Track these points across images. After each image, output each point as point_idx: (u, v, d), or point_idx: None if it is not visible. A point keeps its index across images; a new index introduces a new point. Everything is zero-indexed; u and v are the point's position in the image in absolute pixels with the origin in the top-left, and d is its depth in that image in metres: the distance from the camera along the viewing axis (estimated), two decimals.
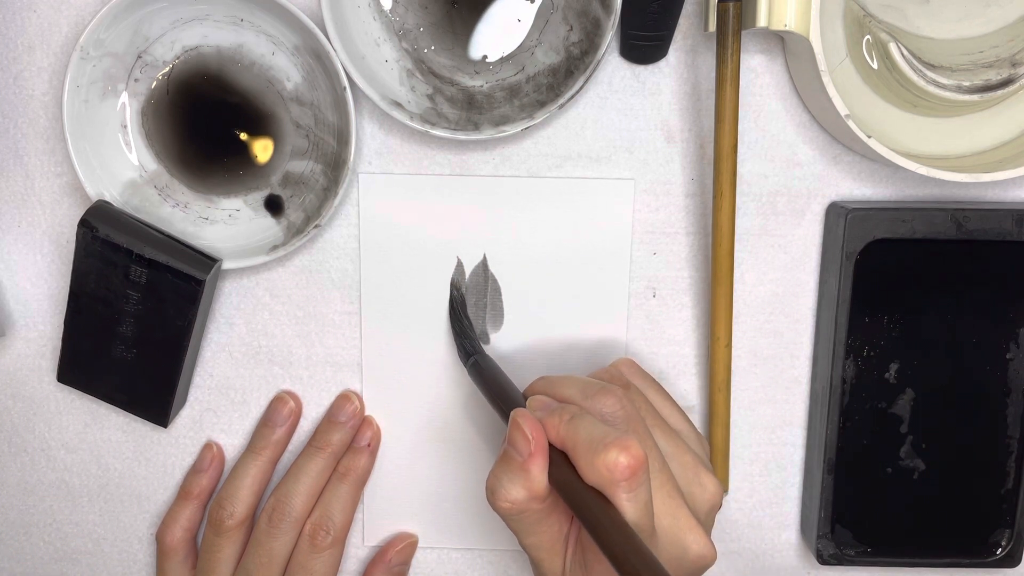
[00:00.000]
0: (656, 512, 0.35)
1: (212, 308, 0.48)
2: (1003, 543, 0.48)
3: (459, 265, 0.47)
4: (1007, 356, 0.46)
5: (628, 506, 0.33)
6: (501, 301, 0.48)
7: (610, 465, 0.33)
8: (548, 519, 0.36)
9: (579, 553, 0.37)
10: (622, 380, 0.41)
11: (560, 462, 0.35)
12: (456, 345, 0.47)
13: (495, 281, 0.47)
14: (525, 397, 0.40)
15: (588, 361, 0.48)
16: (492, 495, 0.36)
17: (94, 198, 0.44)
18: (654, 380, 0.43)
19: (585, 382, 0.39)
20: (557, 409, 0.37)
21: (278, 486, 0.47)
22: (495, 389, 0.42)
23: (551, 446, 0.36)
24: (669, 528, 0.36)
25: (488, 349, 0.48)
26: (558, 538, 0.37)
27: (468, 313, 0.47)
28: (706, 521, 0.39)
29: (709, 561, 0.36)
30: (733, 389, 0.48)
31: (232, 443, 0.50)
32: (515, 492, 0.35)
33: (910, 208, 0.45)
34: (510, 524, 0.37)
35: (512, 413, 0.37)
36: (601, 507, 0.33)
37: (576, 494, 0.34)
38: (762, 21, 0.40)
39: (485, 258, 0.47)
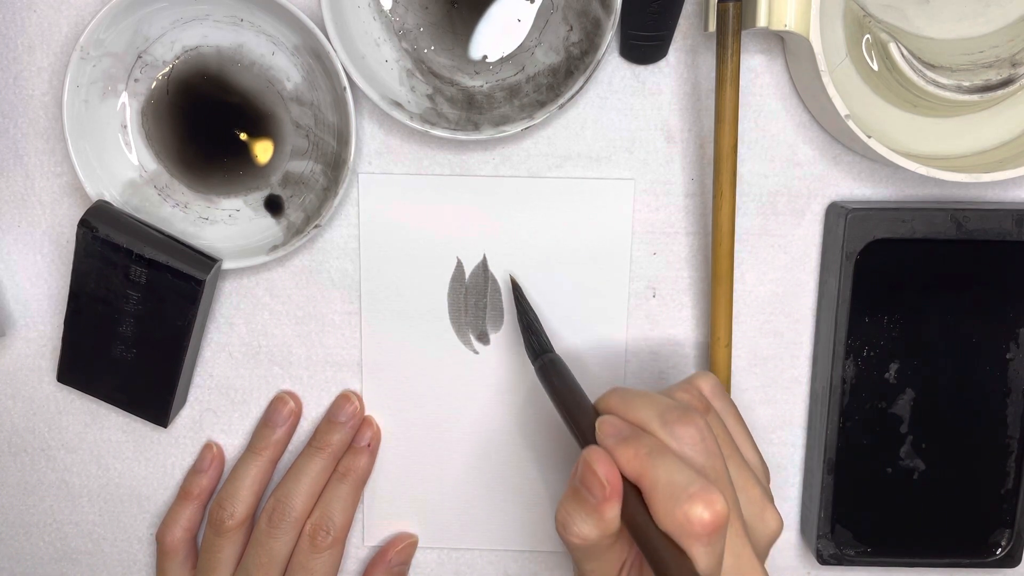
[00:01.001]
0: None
1: (212, 308, 0.48)
2: (1003, 543, 0.48)
3: (459, 265, 0.47)
4: (1007, 356, 0.46)
5: (703, 560, 0.32)
6: (501, 301, 0.48)
7: (692, 519, 0.32)
8: (613, 548, 0.36)
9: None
10: (702, 403, 0.38)
11: (632, 497, 0.34)
12: (524, 342, 0.45)
13: (495, 281, 0.47)
14: (595, 411, 0.38)
15: (588, 361, 0.48)
16: (563, 529, 0.35)
17: (94, 198, 0.44)
18: (732, 404, 0.41)
19: (664, 405, 0.36)
20: (632, 439, 0.35)
21: (278, 486, 0.47)
22: (565, 396, 0.40)
23: (624, 478, 0.34)
24: (731, 568, 0.35)
25: (488, 349, 0.48)
26: (617, 564, 0.36)
27: (532, 306, 0.46)
28: (763, 555, 0.38)
29: None
30: (733, 389, 0.48)
31: (232, 443, 0.50)
32: (587, 530, 0.34)
33: (910, 208, 0.45)
34: (574, 553, 0.36)
35: (585, 453, 0.35)
36: (673, 555, 0.32)
37: (648, 536, 0.33)
38: (762, 21, 0.40)
39: (485, 258, 0.47)
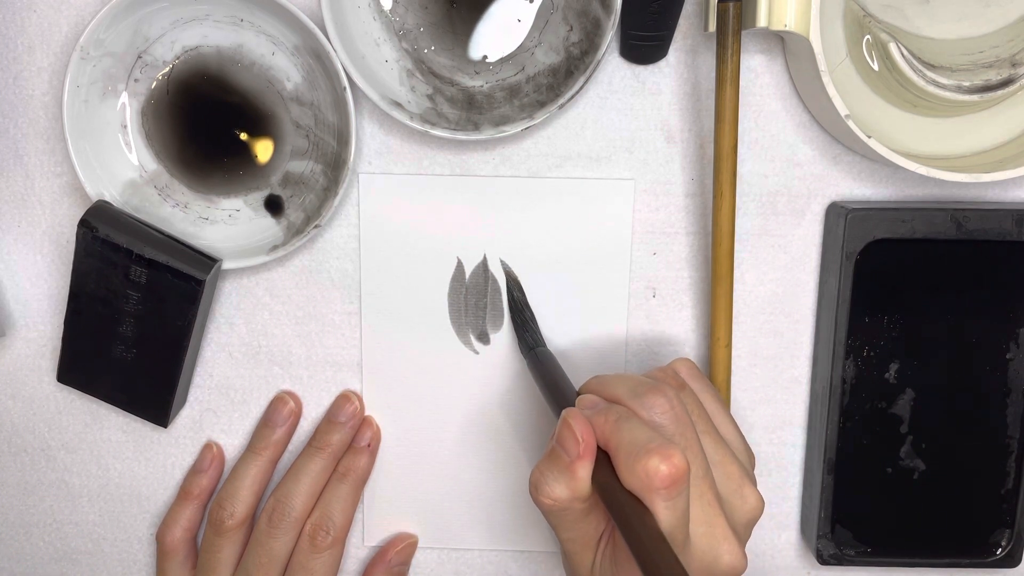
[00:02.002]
0: (692, 519, 0.35)
1: (212, 308, 0.48)
2: (1003, 543, 0.48)
3: (459, 265, 0.47)
4: (1007, 356, 0.46)
5: (664, 514, 0.33)
6: (501, 301, 0.48)
7: (650, 472, 0.33)
8: (587, 517, 0.36)
9: (611, 549, 0.37)
10: (677, 381, 0.40)
11: (603, 463, 0.35)
12: (517, 337, 0.47)
13: (495, 281, 0.47)
14: (578, 394, 0.40)
15: (588, 361, 0.48)
16: (535, 490, 0.36)
17: (94, 198, 0.44)
18: (710, 384, 0.42)
19: (636, 380, 0.38)
20: (604, 409, 0.36)
21: (278, 486, 0.47)
22: (550, 383, 0.42)
23: (598, 448, 0.35)
24: (704, 536, 0.35)
25: (488, 349, 0.48)
26: (594, 535, 0.37)
27: (529, 304, 0.47)
28: (743, 533, 0.38)
29: (739, 572, 0.36)
30: (733, 389, 0.48)
31: (232, 443, 0.50)
32: (558, 491, 0.35)
33: (910, 208, 0.45)
34: (549, 519, 0.37)
35: (563, 412, 0.36)
36: (636, 512, 0.33)
37: (614, 496, 0.34)
38: (762, 21, 0.40)
39: (485, 258, 0.47)
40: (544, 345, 0.46)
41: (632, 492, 0.34)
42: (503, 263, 0.47)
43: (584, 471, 0.35)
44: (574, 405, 0.38)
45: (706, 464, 0.36)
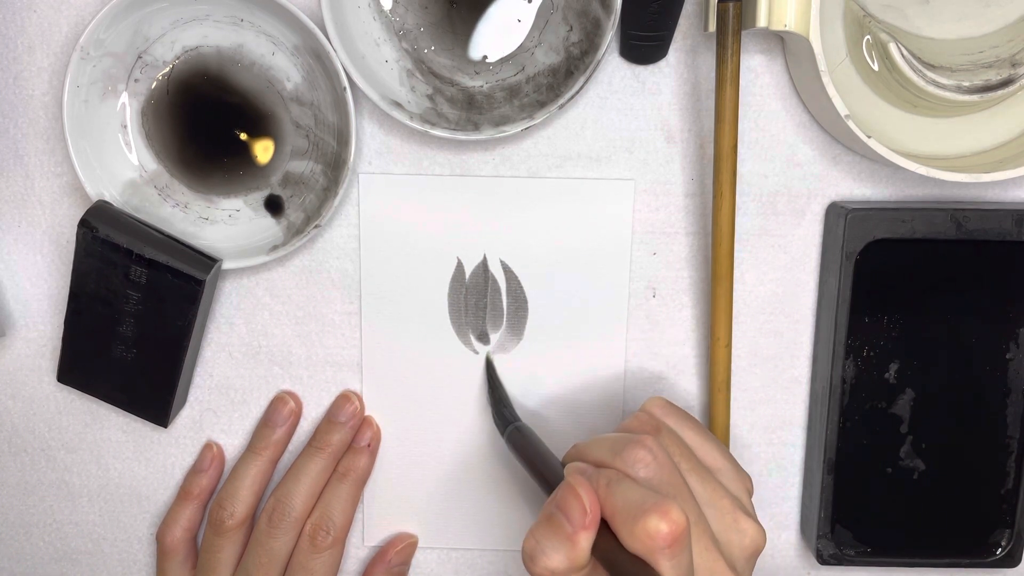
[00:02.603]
0: (695, 567, 0.35)
1: (212, 308, 0.48)
2: (1003, 543, 0.48)
3: (459, 265, 0.47)
4: (1007, 356, 0.46)
5: (670, 572, 0.33)
6: (501, 301, 0.48)
7: (651, 533, 0.32)
8: None
9: None
10: (653, 424, 0.39)
11: (601, 530, 0.34)
12: (493, 414, 0.47)
13: (495, 281, 0.47)
14: (562, 466, 0.39)
15: (588, 361, 0.48)
16: (531, 561, 0.35)
17: (94, 198, 0.44)
18: (688, 416, 0.41)
19: (614, 439, 0.37)
20: (593, 475, 0.35)
21: (278, 486, 0.47)
22: (535, 459, 0.41)
23: None
24: None
25: (488, 349, 0.48)
26: None
27: (502, 382, 0.48)
28: (745, 568, 0.37)
29: None
30: (733, 389, 0.48)
31: (232, 443, 0.50)
32: (556, 561, 0.34)
33: (910, 208, 0.45)
34: None
35: (569, 479, 0.35)
36: (643, 574, 0.33)
37: (616, 560, 0.33)
38: (762, 21, 0.40)
39: (485, 258, 0.47)
40: (519, 420, 0.45)
41: (635, 554, 0.33)
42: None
43: (587, 542, 0.34)
44: (560, 475, 0.37)
45: (697, 508, 0.36)
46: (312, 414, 0.49)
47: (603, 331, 0.48)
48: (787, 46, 0.45)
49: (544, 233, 0.47)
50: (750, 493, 0.41)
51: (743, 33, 0.42)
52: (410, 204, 0.47)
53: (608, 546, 0.34)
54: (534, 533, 0.35)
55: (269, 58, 0.44)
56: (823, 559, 0.48)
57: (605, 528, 0.34)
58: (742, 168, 0.46)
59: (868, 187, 0.46)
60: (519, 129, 0.43)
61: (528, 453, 0.42)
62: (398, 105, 0.43)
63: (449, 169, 0.47)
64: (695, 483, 0.37)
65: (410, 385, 0.49)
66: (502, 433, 0.45)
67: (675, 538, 0.32)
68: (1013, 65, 0.41)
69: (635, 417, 0.40)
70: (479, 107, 0.44)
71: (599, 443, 0.38)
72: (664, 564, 0.32)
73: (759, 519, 0.49)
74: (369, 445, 0.48)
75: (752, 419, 0.49)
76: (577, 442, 0.40)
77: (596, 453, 0.38)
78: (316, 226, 0.44)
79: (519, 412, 0.48)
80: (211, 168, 0.46)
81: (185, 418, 0.49)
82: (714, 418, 0.47)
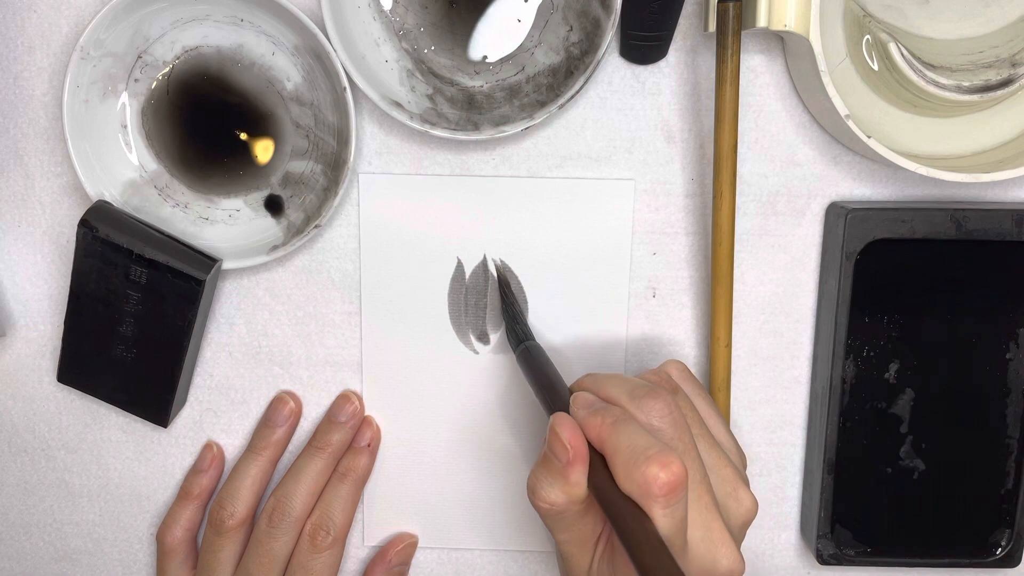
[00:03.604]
0: (690, 523, 0.35)
1: (212, 308, 0.48)
2: (1003, 543, 0.48)
3: (459, 265, 0.47)
4: (1007, 356, 0.46)
5: (663, 521, 0.33)
6: (501, 301, 0.48)
7: (649, 479, 0.33)
8: (584, 518, 0.36)
9: (609, 552, 0.36)
10: (671, 384, 0.40)
11: (599, 465, 0.35)
12: (507, 330, 0.47)
13: (495, 281, 0.47)
14: (571, 392, 0.39)
15: (588, 361, 0.48)
16: (532, 494, 0.36)
17: (94, 198, 0.44)
18: (702, 387, 0.42)
19: (634, 383, 0.38)
20: (601, 410, 0.36)
21: (278, 486, 0.47)
22: (542, 380, 0.41)
23: (591, 448, 0.35)
24: (701, 541, 0.35)
25: (488, 349, 0.48)
26: (591, 536, 0.37)
27: (517, 300, 0.47)
28: (739, 535, 0.38)
29: (738, 575, 0.36)
30: (733, 389, 0.48)
31: (232, 443, 0.50)
32: (554, 495, 0.35)
33: (910, 208, 0.45)
34: (546, 521, 0.37)
35: (552, 419, 0.36)
36: (635, 517, 0.33)
37: (611, 500, 0.34)
38: (762, 21, 0.40)
39: (485, 258, 0.47)
40: (533, 339, 0.45)
41: (628, 496, 0.34)
42: (491, 259, 0.47)
43: (578, 476, 0.35)
44: (567, 404, 0.38)
45: (703, 468, 0.36)
46: (312, 414, 0.49)
47: (603, 331, 0.48)
48: (787, 46, 0.45)
49: (544, 233, 0.47)
50: (744, 468, 0.41)
51: (743, 33, 0.42)
52: (410, 204, 0.47)
53: (604, 484, 0.34)
54: (534, 470, 0.36)
55: (269, 58, 0.44)
56: (823, 559, 0.48)
57: (604, 466, 0.35)
58: (742, 168, 0.46)
59: (868, 187, 0.46)
60: (519, 129, 0.43)
61: (537, 374, 0.42)
62: (398, 105, 0.43)
63: (449, 169, 0.47)
64: (703, 448, 0.38)
65: (410, 385, 0.49)
66: (514, 350, 0.45)
67: (672, 488, 0.33)
68: (1013, 65, 0.41)
69: (654, 372, 0.41)
70: (479, 107, 0.44)
71: (616, 381, 0.38)
72: (657, 511, 0.33)
73: (757, 518, 0.50)
74: (369, 445, 0.48)
75: (752, 419, 0.49)
76: (592, 371, 0.40)
77: (611, 390, 0.38)
78: (316, 226, 0.44)
79: (519, 413, 0.48)
80: (211, 168, 0.46)
81: (185, 418, 0.49)
82: None
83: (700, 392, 0.42)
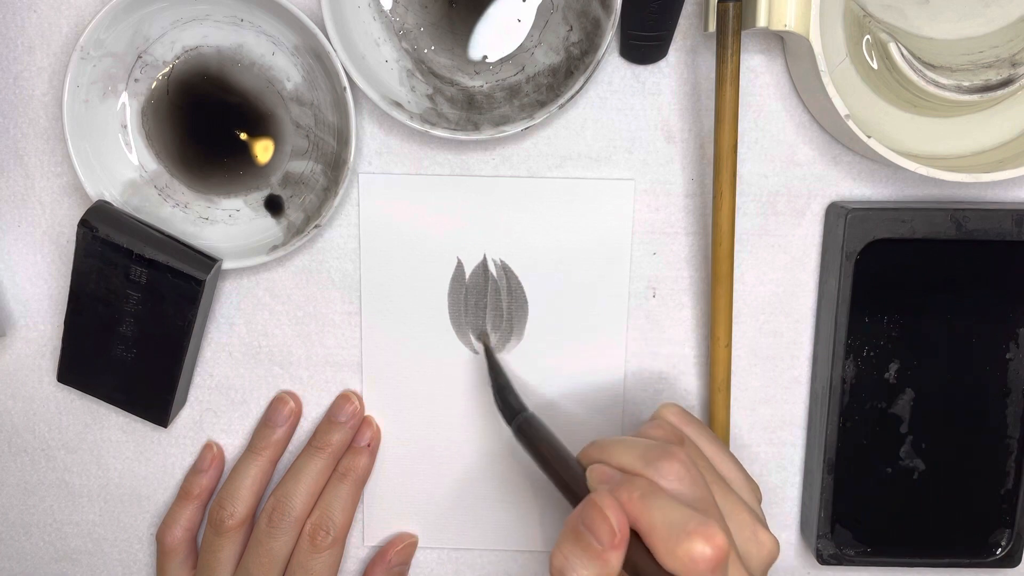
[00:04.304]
0: None
1: (212, 308, 0.48)
2: (1003, 543, 0.48)
3: (459, 265, 0.47)
4: (1007, 356, 0.46)
5: None
6: (501, 301, 0.48)
7: (695, 556, 0.32)
8: None
9: None
10: (676, 434, 0.39)
11: (633, 543, 0.34)
12: (497, 401, 0.44)
13: (495, 281, 0.47)
14: (580, 464, 0.38)
15: (588, 361, 0.48)
16: (559, 575, 0.34)
17: (94, 198, 0.44)
18: (703, 425, 0.41)
19: (644, 446, 0.36)
20: (624, 483, 0.35)
21: (278, 486, 0.47)
22: (549, 454, 0.39)
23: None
24: None
25: (486, 342, 0.48)
26: None
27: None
28: None
29: None
30: (733, 389, 0.48)
31: (232, 443, 0.50)
32: None
33: (910, 208, 0.45)
34: None
35: (593, 496, 0.34)
36: None
37: None
38: (762, 21, 0.40)
39: (485, 258, 0.47)
40: (527, 410, 0.42)
41: (672, 574, 0.33)
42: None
43: (618, 560, 0.33)
44: (579, 475, 0.37)
45: (726, 525, 0.35)
46: (312, 414, 0.49)
47: (603, 331, 0.48)
48: (787, 46, 0.45)
49: (544, 233, 0.47)
50: (759, 502, 0.41)
51: (743, 33, 0.42)
52: (410, 204, 0.47)
53: (642, 563, 0.33)
54: (562, 549, 0.34)
55: (269, 58, 0.44)
56: (823, 559, 0.48)
57: (636, 540, 0.34)
58: (742, 168, 0.46)
59: (868, 187, 0.46)
60: (519, 129, 0.43)
61: (540, 448, 0.40)
62: (398, 105, 0.43)
63: (449, 169, 0.47)
64: (718, 495, 0.37)
65: (410, 385, 0.49)
66: (508, 423, 0.42)
67: (719, 562, 0.32)
68: (1013, 65, 0.41)
69: (655, 425, 0.40)
70: (479, 107, 0.44)
71: (626, 446, 0.37)
72: None
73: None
74: (369, 445, 0.48)
75: (752, 419, 0.49)
76: (597, 439, 0.39)
77: (623, 458, 0.37)
78: (316, 226, 0.44)
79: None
80: (211, 168, 0.46)
81: (185, 418, 0.49)
82: (714, 418, 0.47)
83: (703, 433, 0.41)
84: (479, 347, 0.48)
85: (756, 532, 0.37)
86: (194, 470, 0.49)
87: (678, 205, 0.47)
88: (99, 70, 0.44)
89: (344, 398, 0.48)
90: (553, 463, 0.39)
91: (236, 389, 0.49)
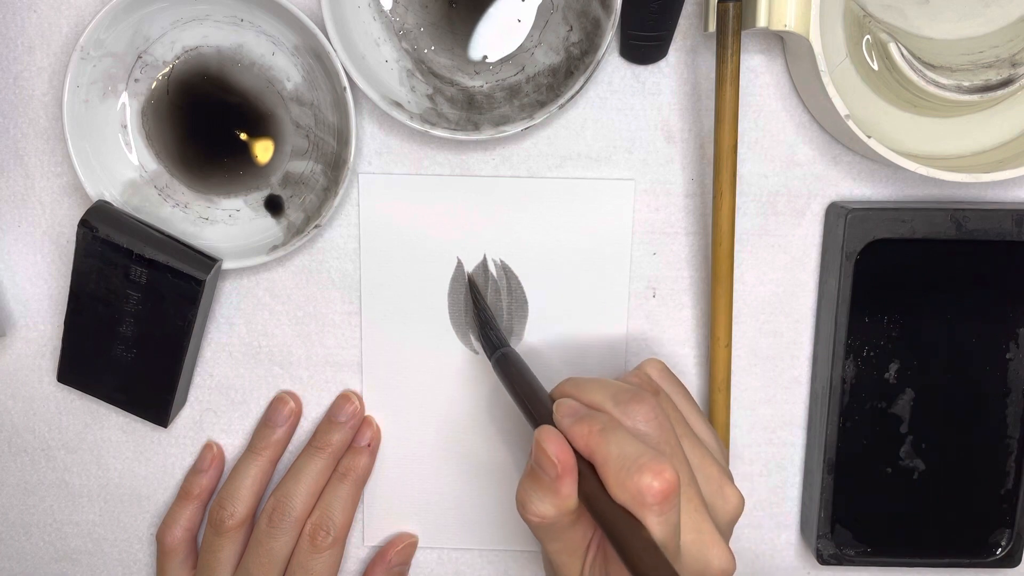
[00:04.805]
0: (682, 526, 0.35)
1: (212, 308, 0.48)
2: (1003, 543, 0.48)
3: (459, 265, 0.47)
4: (1007, 356, 0.46)
5: (657, 528, 0.33)
6: (501, 301, 0.48)
7: (643, 488, 0.33)
8: (574, 527, 0.36)
9: (601, 558, 0.36)
10: (652, 385, 0.40)
11: (588, 474, 0.35)
12: (481, 337, 0.46)
13: (495, 281, 0.47)
14: (552, 398, 0.39)
15: (588, 361, 0.48)
16: (522, 508, 0.36)
17: (94, 198, 0.44)
18: (683, 385, 0.42)
19: (616, 387, 0.38)
20: (587, 417, 0.36)
21: (278, 486, 0.47)
22: (522, 388, 0.41)
23: (579, 456, 0.35)
24: (693, 543, 0.35)
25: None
26: (582, 544, 0.37)
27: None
28: (727, 532, 0.38)
29: (730, 574, 0.36)
30: (733, 389, 0.48)
31: (232, 443, 0.50)
32: (544, 508, 0.35)
33: (910, 208, 0.45)
34: (536, 533, 0.37)
35: (536, 433, 0.36)
36: (629, 525, 0.33)
37: (603, 509, 0.34)
38: (762, 21, 0.40)
39: (485, 258, 0.47)
40: (508, 345, 0.45)
41: (621, 505, 0.33)
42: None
43: (568, 488, 0.35)
44: (550, 412, 0.38)
45: (690, 471, 0.36)
46: (312, 414, 0.49)
47: (603, 331, 0.48)
48: (787, 46, 0.45)
49: (544, 233, 0.47)
50: (727, 463, 0.41)
51: (743, 33, 0.42)
52: (410, 204, 0.47)
53: (594, 493, 0.34)
54: (522, 483, 0.36)
55: (269, 58, 0.44)
56: (823, 559, 0.48)
57: (593, 474, 0.35)
58: (742, 168, 0.46)
59: (868, 187, 0.46)
60: (519, 129, 0.43)
61: (516, 382, 0.41)
62: (398, 105, 0.43)
63: (449, 169, 0.47)
64: (688, 447, 0.38)
65: (410, 385, 0.49)
66: (489, 357, 0.44)
67: (665, 496, 0.33)
68: (1013, 65, 0.41)
69: (634, 374, 0.41)
70: (479, 107, 0.44)
71: (598, 385, 0.38)
72: (651, 519, 0.33)
73: (756, 518, 0.50)
74: (369, 445, 0.48)
75: (752, 419, 0.49)
76: (572, 376, 0.40)
77: (593, 395, 0.37)
78: (316, 226, 0.44)
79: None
80: (211, 168, 0.46)
81: (185, 418, 0.49)
82: (714, 418, 0.47)
83: (680, 390, 0.42)
84: (480, 349, 0.48)
85: (723, 486, 0.38)
86: (194, 470, 0.49)
87: (678, 205, 0.47)
88: (99, 70, 0.44)
89: (344, 398, 0.48)
90: (526, 396, 0.40)
91: (236, 389, 0.49)
